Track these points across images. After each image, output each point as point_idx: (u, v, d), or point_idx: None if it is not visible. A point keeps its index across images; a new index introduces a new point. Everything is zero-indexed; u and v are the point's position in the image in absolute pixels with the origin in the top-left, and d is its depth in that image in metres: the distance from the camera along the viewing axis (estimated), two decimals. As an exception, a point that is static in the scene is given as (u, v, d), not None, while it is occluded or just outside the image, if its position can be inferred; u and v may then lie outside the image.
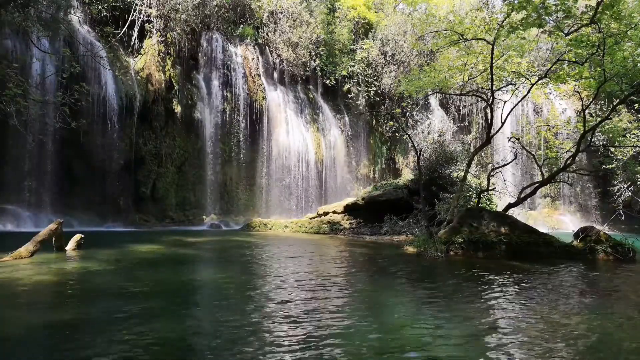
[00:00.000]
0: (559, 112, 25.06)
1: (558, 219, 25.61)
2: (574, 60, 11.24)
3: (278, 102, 23.52)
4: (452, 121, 26.57)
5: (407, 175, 23.79)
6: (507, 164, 13.97)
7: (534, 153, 14.63)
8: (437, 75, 14.01)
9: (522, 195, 12.41)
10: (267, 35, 23.88)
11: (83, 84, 13.56)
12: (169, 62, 20.50)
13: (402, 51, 25.88)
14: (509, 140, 14.78)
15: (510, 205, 12.06)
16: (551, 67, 12.17)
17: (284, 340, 3.65)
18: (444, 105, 28.43)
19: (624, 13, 9.83)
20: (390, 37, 26.05)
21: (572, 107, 25.92)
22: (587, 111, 12.74)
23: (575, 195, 26.58)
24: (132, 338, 3.66)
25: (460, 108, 28.24)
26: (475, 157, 15.59)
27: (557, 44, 12.28)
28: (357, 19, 26.82)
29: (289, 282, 6.42)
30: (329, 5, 26.69)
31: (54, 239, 8.62)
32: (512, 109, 13.47)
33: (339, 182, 25.00)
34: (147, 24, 19.96)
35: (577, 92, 15.43)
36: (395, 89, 24.47)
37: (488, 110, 12.89)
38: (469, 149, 20.95)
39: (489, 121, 13.10)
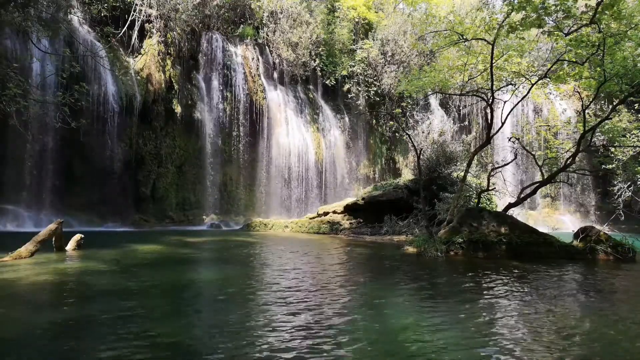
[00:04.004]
0: (559, 112, 25.06)
1: (558, 219, 25.59)
2: (574, 60, 11.23)
3: (278, 102, 23.53)
4: (452, 121, 26.56)
5: (407, 175, 23.79)
6: (507, 164, 13.96)
7: (534, 153, 14.63)
8: (437, 75, 13.99)
9: (522, 195, 12.40)
10: (267, 35, 23.88)
11: (83, 84, 13.55)
12: (169, 62, 20.50)
13: (402, 51, 25.88)
14: (509, 140, 14.77)
15: (510, 205, 12.06)
16: (551, 67, 12.16)
17: (283, 341, 3.65)
18: (444, 105, 28.43)
19: (624, 13, 9.81)
20: (390, 37, 26.05)
21: (572, 107, 25.93)
22: (587, 111, 12.74)
23: (575, 195, 26.58)
24: (132, 338, 3.66)
25: (460, 108, 28.24)
26: (475, 157, 15.57)
27: (557, 44, 12.26)
28: (357, 19, 26.83)
29: (289, 282, 6.42)
30: (329, 5, 26.70)
31: (54, 239, 8.63)
32: (512, 109, 13.46)
33: (339, 182, 25.00)
34: (147, 24, 19.97)
35: (577, 92, 15.43)
36: (395, 89, 24.46)
37: (488, 110, 12.88)
38: (469, 149, 20.94)
39: (489, 121, 13.09)
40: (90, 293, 5.42)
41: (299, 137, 23.48)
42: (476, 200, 13.68)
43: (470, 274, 7.47)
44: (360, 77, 25.79)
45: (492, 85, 11.93)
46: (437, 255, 9.40)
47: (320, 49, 25.05)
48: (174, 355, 3.35)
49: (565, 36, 10.63)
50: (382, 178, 26.16)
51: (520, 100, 13.73)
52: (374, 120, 27.08)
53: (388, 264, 8.77)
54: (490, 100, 12.39)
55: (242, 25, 23.63)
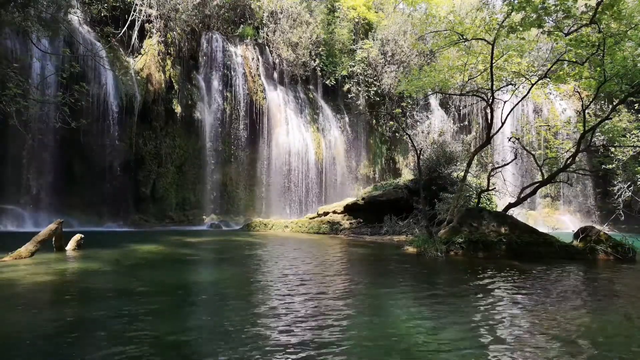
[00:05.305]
0: (559, 112, 25.06)
1: (558, 219, 25.59)
2: (574, 60, 11.23)
3: (278, 102, 23.53)
4: (452, 121, 26.58)
5: (407, 175, 23.79)
6: (507, 164, 13.96)
7: (534, 153, 14.62)
8: (437, 75, 13.99)
9: (522, 195, 12.40)
10: (267, 35, 23.89)
11: (83, 84, 13.53)
12: (169, 62, 20.50)
13: (402, 51, 25.88)
14: (509, 140, 14.78)
15: (510, 205, 12.06)
16: (551, 67, 12.16)
17: (284, 341, 3.65)
18: (444, 105, 28.43)
19: (624, 13, 9.82)
20: (390, 37, 26.05)
21: (572, 107, 25.93)
22: (587, 111, 12.73)
23: (575, 195, 26.57)
24: (131, 338, 3.66)
25: (460, 108, 28.24)
26: (475, 157, 15.57)
27: (557, 44, 12.27)
28: (357, 19, 26.83)
29: (289, 282, 6.42)
30: (329, 5, 26.70)
31: (54, 239, 8.63)
32: (512, 109, 13.47)
33: (339, 182, 25.00)
34: (147, 24, 19.96)
35: (577, 92, 15.43)
36: (395, 89, 24.45)
37: (488, 110, 12.88)
38: (469, 149, 20.97)
39: (489, 121, 13.10)
40: (91, 293, 5.41)
41: (299, 137, 23.48)
42: (476, 200, 13.68)
43: (470, 274, 7.47)
44: (360, 77, 25.79)
45: (492, 85, 11.93)
46: (437, 255, 9.39)
47: (320, 49, 25.05)
48: (174, 356, 3.35)
49: (565, 36, 10.63)
50: (382, 178, 26.16)
51: (520, 100, 13.74)
52: (374, 120, 27.08)
53: (388, 264, 8.77)
54: (490, 100, 12.39)
55: (242, 25, 23.63)
